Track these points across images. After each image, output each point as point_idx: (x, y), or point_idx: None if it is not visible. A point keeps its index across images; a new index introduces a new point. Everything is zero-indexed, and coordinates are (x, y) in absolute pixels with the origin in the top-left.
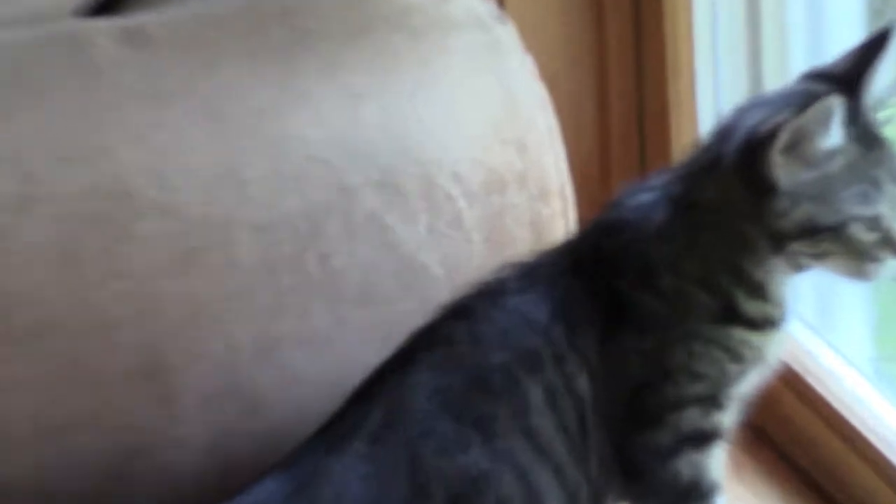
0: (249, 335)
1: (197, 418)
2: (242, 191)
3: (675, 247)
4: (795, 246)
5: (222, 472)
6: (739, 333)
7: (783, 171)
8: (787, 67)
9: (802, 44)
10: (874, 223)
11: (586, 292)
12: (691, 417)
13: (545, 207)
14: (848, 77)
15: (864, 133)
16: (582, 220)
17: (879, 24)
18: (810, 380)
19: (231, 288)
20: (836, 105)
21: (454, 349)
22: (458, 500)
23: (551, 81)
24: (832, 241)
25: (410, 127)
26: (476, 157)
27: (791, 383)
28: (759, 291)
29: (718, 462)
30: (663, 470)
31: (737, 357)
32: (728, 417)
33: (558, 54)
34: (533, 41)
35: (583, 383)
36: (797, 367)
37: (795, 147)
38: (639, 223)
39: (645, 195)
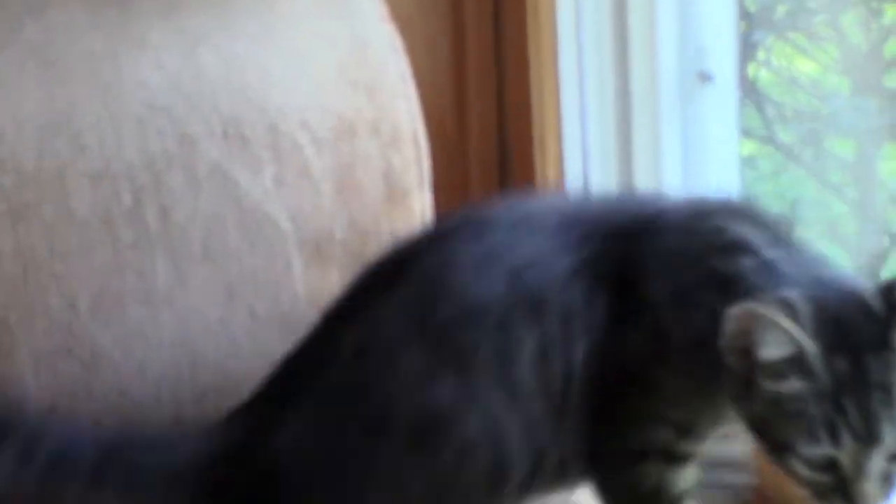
0: (88, 291)
1: (35, 377)
2: (77, 140)
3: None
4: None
5: None
6: (730, 410)
7: (728, 353)
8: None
9: None
10: (825, 465)
11: (615, 266)
12: (663, 436)
13: (397, 155)
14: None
15: (852, 369)
16: (436, 169)
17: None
18: None
19: (67, 242)
20: (769, 314)
21: (448, 273)
22: (419, 434)
23: (405, 25)
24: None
25: (253, 73)
26: (324, 103)
27: None
28: None
29: (688, 478)
30: (627, 471)
31: (717, 418)
32: (698, 446)
33: None
34: None
35: (580, 351)
36: None
37: (740, 337)
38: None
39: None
